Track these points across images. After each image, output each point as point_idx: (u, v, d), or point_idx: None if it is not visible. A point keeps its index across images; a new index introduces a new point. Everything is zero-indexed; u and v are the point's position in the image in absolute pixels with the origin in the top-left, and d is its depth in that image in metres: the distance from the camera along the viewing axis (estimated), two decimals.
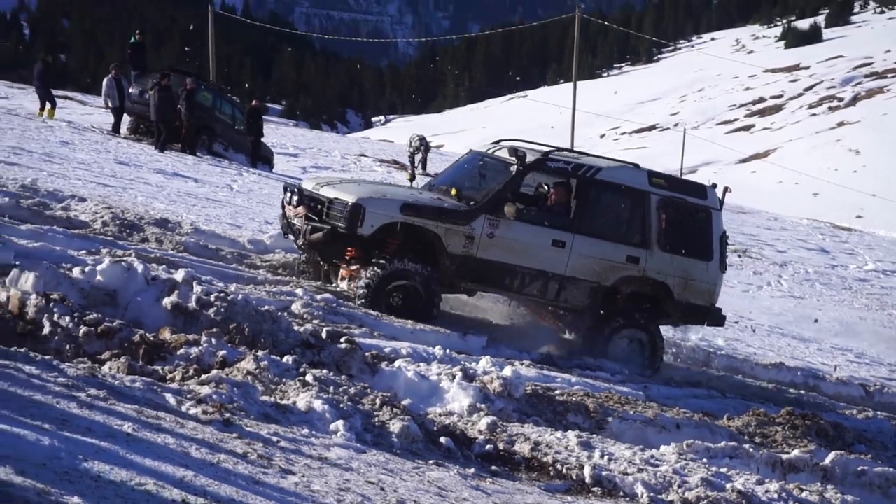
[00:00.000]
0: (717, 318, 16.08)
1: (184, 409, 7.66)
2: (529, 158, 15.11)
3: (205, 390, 8.12)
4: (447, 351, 12.26)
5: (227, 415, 7.69)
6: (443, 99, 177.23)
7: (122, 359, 8.57)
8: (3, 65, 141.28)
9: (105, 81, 32.05)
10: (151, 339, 9.22)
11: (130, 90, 32.25)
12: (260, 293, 13.16)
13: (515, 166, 15.03)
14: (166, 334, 9.47)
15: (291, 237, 15.37)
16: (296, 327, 10.74)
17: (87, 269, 10.28)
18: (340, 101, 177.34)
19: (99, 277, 10.19)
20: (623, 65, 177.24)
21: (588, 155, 16.26)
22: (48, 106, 33.21)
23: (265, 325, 10.33)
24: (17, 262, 10.19)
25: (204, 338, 9.37)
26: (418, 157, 39.83)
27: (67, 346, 8.76)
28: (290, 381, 9.00)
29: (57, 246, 12.89)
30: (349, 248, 14.60)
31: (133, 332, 9.15)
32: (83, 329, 8.93)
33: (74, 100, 47.07)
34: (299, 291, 13.76)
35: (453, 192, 15.22)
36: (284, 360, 9.48)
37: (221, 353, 9.13)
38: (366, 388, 9.30)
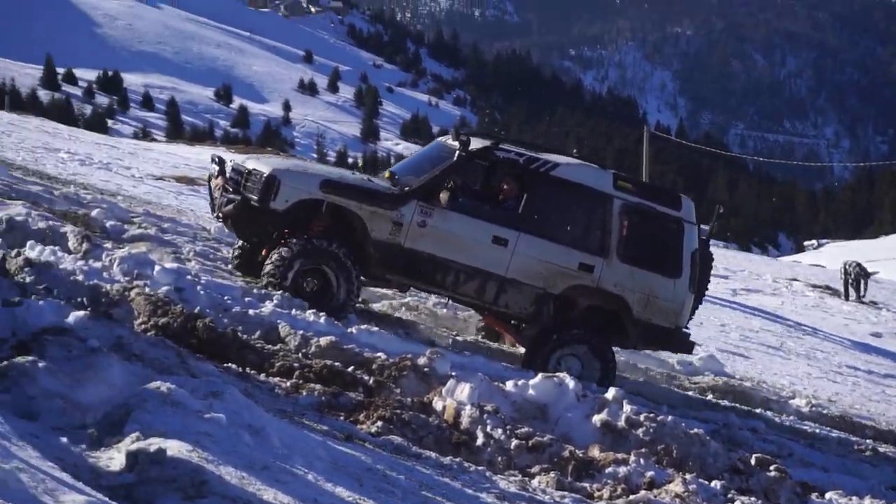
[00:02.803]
0: (683, 344, 14.31)
1: None
2: (476, 146, 13.88)
3: None
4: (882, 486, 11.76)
5: None
6: (878, 224, 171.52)
7: (552, 474, 8.66)
8: None
9: None
10: (580, 455, 9.27)
11: None
12: (689, 416, 13.07)
13: (457, 152, 13.77)
14: (595, 451, 9.50)
15: (213, 213, 14.63)
16: (724, 452, 10.55)
17: (519, 383, 10.49)
18: (772, 223, 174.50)
19: (531, 392, 10.36)
20: None
21: (551, 152, 14.47)
22: None
23: (693, 448, 10.20)
24: (454, 374, 10.52)
25: (632, 457, 9.33)
26: (861, 283, 39.26)
27: (499, 458, 8.94)
28: None
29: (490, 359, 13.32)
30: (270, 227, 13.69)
31: (562, 448, 9.24)
32: (514, 442, 9.09)
33: None
34: (732, 416, 13.57)
35: (387, 174, 14.04)
36: (712, 484, 9.32)
37: (649, 473, 9.07)
38: None
